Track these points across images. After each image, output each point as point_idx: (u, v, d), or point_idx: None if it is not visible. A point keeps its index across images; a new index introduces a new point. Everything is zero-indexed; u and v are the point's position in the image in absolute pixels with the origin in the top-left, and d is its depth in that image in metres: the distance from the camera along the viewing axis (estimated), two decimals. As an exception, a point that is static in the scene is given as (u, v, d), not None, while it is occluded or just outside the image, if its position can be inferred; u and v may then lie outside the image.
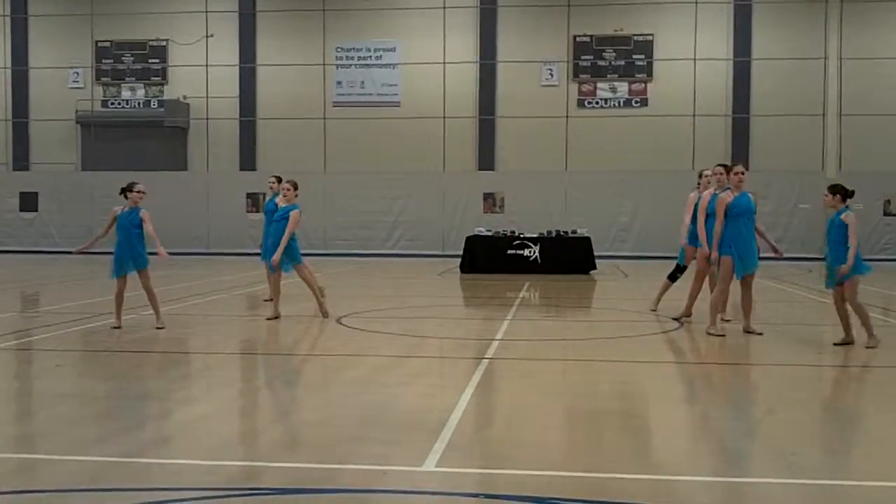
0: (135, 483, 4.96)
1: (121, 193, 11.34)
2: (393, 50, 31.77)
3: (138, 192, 11.31)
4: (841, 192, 9.78)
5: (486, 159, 31.34)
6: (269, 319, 12.12)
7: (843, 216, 9.73)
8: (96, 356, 9.71)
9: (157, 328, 11.13)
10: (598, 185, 29.33)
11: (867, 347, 9.76)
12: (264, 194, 30.98)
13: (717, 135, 30.45)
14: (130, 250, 11.29)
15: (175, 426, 6.45)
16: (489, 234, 23.31)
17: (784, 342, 10.83)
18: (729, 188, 11.06)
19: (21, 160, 33.33)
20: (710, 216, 11.18)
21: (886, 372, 8.90)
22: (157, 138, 32.53)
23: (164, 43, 32.84)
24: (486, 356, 9.27)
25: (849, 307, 9.94)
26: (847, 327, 9.99)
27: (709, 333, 10.80)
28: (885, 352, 10.12)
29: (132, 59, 33.11)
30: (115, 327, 11.08)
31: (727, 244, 10.67)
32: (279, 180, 13.24)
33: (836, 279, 9.90)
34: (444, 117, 30.88)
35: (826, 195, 9.88)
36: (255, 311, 13.81)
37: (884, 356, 9.74)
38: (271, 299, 13.51)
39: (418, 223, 30.17)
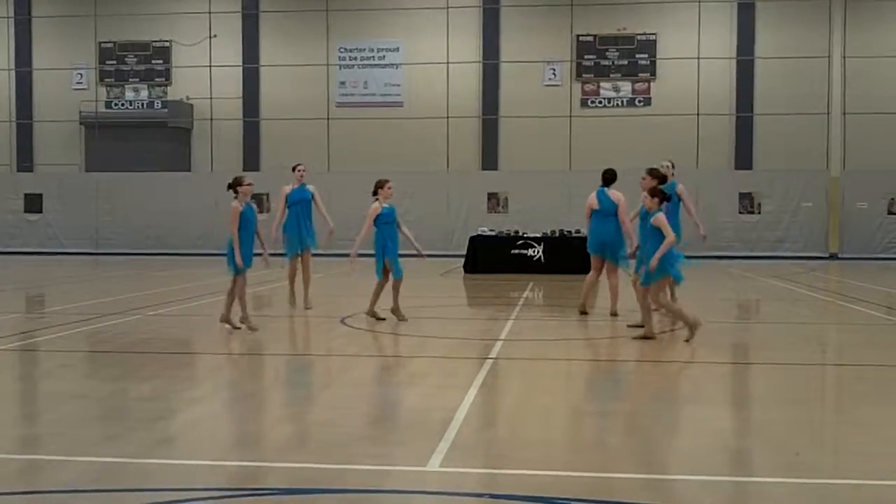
0: (140, 483, 4.98)
1: (229, 189, 10.92)
2: (396, 50, 31.78)
3: (249, 184, 10.93)
4: (659, 195, 10.08)
5: (490, 159, 31.34)
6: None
7: (651, 219, 10.00)
8: (102, 357, 9.74)
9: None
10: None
11: (628, 325, 10.30)
12: (268, 194, 31.33)
13: (721, 134, 30.43)
14: (251, 245, 10.97)
15: (180, 426, 6.46)
16: (493, 233, 23.29)
17: (787, 341, 10.82)
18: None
19: (25, 161, 33.39)
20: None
21: (888, 370, 8.90)
22: (161, 139, 32.57)
23: (167, 44, 32.88)
24: (489, 356, 9.28)
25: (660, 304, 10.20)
26: (684, 316, 10.17)
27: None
28: (887, 350, 10.13)
29: (136, 60, 33.15)
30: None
31: None
32: None
33: (647, 275, 10.04)
34: (448, 117, 30.89)
35: (646, 197, 10.16)
36: (261, 312, 13.82)
37: (886, 354, 9.74)
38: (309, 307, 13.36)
39: (422, 223, 30.03)
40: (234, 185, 10.84)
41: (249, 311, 11.09)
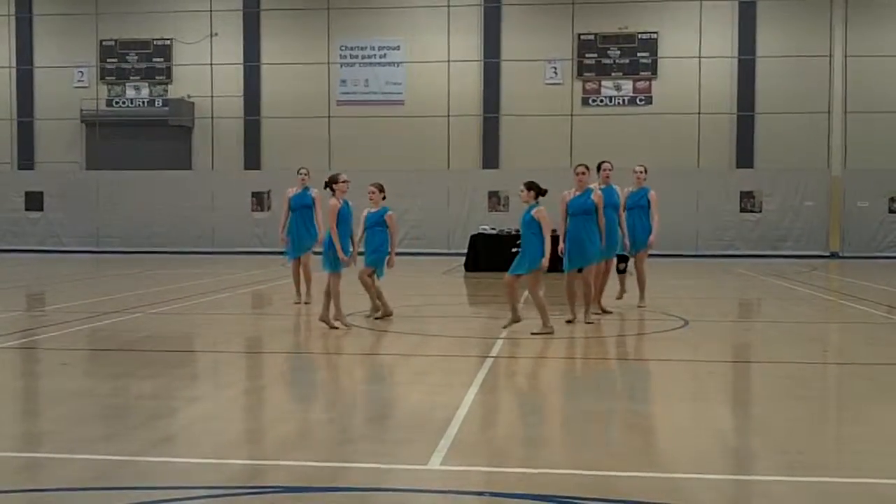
0: (140, 482, 4.97)
1: (326, 187, 10.96)
2: (397, 48, 31.76)
3: (345, 181, 10.95)
4: (535, 189, 10.51)
5: (491, 158, 31.32)
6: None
7: (533, 211, 10.47)
8: (102, 355, 9.73)
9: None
10: (610, 187, 29.25)
11: (532, 333, 10.39)
12: (269, 192, 31.37)
13: (722, 133, 30.41)
14: (347, 242, 10.98)
15: (180, 425, 6.46)
16: (494, 232, 23.27)
17: (789, 339, 10.81)
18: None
19: (26, 159, 33.38)
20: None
21: (890, 369, 8.89)
22: (162, 137, 32.57)
23: (168, 42, 32.87)
24: (490, 354, 9.28)
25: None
26: (514, 308, 10.70)
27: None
28: (888, 348, 10.12)
29: (137, 58, 33.14)
30: (301, 302, 11.27)
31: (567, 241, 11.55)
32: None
33: (525, 269, 10.61)
34: (449, 116, 30.87)
35: (522, 190, 10.60)
36: (261, 310, 13.83)
37: (887, 353, 9.73)
38: (300, 302, 13.51)
39: (423, 221, 30.14)
40: (331, 182, 10.91)
41: (244, 309, 11.07)
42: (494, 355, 9.27)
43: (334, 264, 10.83)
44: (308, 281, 13.61)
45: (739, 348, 10.64)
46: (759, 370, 9.04)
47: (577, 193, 11.47)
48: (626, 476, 5.06)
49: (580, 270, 11.51)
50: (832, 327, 12.72)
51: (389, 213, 11.81)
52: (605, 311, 12.53)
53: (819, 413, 7.17)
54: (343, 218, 10.86)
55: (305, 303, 13.50)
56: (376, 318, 11.83)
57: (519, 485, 4.91)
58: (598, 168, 12.46)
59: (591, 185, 11.86)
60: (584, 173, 11.48)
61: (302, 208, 13.46)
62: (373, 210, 11.78)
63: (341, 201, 10.87)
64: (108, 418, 6.59)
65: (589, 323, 11.40)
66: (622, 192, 12.83)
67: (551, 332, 10.46)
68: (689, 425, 6.50)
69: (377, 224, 11.72)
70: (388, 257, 11.74)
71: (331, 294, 10.90)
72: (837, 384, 8.56)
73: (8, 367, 8.93)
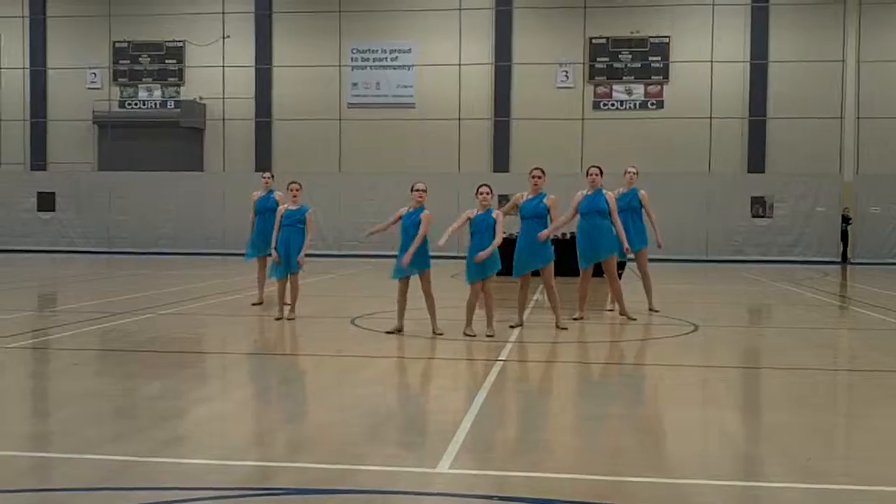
0: (149, 482, 4.98)
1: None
2: (408, 51, 31.80)
3: (414, 190, 11.02)
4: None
5: (501, 161, 31.31)
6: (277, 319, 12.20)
7: (493, 213, 10.76)
8: (112, 355, 9.76)
9: (437, 334, 10.81)
10: (612, 188, 29.21)
11: (487, 336, 10.61)
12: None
13: (734, 137, 30.35)
14: (413, 252, 10.93)
15: (189, 426, 6.47)
16: (504, 235, 23.18)
17: (799, 345, 10.77)
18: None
19: (38, 160, 33.54)
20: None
21: (903, 377, 8.85)
22: (174, 139, 32.69)
23: (180, 44, 32.99)
24: (499, 358, 9.27)
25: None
26: (487, 318, 10.85)
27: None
28: (901, 356, 10.08)
29: (149, 59, 33.28)
30: (397, 330, 10.90)
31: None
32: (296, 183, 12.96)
33: (481, 275, 10.88)
34: (459, 119, 30.88)
35: (487, 192, 10.76)
36: (270, 312, 13.83)
37: (900, 361, 9.69)
38: (261, 302, 13.64)
39: (432, 225, 30.06)
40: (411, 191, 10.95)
41: (253, 311, 11.09)
42: (504, 359, 9.26)
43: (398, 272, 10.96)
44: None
45: (749, 354, 10.60)
46: (768, 376, 9.01)
47: (531, 196, 11.43)
48: (634, 481, 5.05)
49: (536, 274, 11.51)
50: (843, 333, 12.67)
51: (310, 211, 12.07)
52: (629, 318, 12.40)
53: (829, 420, 7.14)
54: (403, 228, 10.93)
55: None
56: (288, 319, 12.18)
57: (528, 489, 4.90)
58: (587, 173, 12.43)
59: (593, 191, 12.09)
60: (539, 177, 11.44)
61: (266, 211, 13.51)
62: (292, 208, 11.96)
63: (408, 209, 10.97)
64: (118, 419, 6.60)
65: (563, 328, 11.36)
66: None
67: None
68: (698, 430, 6.48)
69: (299, 222, 11.97)
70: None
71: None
72: (848, 391, 8.52)
73: (19, 367, 8.96)
